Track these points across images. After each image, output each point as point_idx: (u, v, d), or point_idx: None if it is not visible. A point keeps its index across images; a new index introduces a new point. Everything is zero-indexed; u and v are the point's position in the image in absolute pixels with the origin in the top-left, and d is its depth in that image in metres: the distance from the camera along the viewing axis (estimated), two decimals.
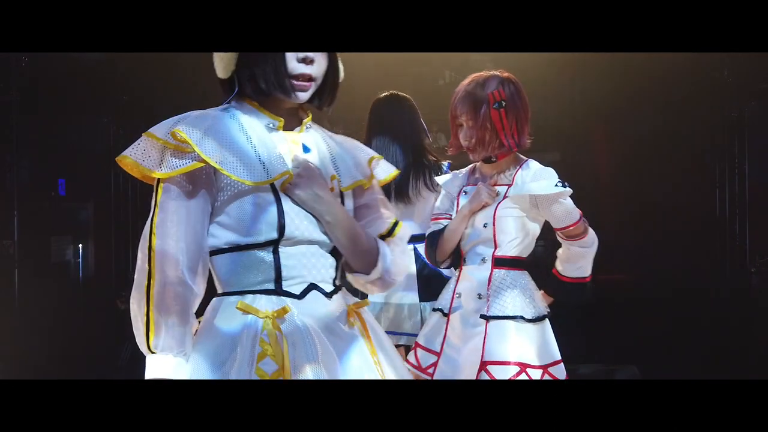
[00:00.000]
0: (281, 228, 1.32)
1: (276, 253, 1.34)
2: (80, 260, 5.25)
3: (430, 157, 2.55)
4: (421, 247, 2.37)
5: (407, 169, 2.48)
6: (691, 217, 4.81)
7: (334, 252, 1.43)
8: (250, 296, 1.35)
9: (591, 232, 2.16)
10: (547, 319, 2.10)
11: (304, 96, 1.38)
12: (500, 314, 2.01)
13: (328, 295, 1.40)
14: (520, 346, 1.98)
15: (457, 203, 2.16)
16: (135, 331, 1.36)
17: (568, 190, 2.02)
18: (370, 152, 1.56)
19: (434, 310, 2.20)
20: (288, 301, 1.34)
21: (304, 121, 1.46)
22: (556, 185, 2.00)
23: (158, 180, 1.31)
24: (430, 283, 2.49)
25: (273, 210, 1.33)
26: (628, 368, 4.54)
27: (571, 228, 2.11)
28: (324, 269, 1.41)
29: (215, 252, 1.37)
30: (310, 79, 1.37)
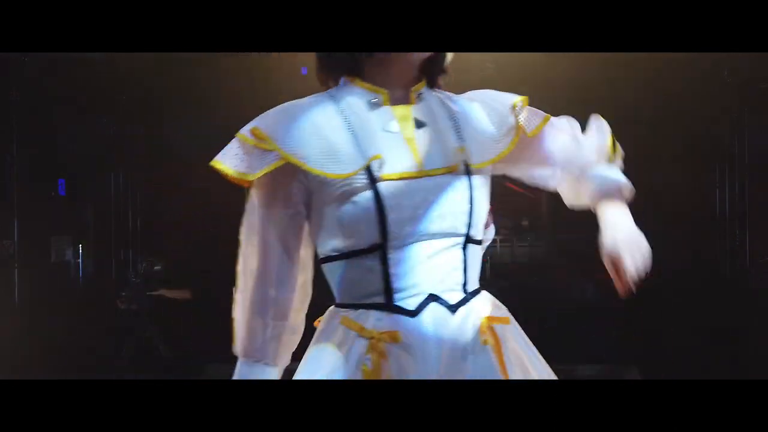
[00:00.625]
0: (383, 228, 1.10)
1: (384, 259, 1.12)
2: (80, 260, 5.25)
3: None
4: None
5: None
6: (691, 217, 4.81)
7: (467, 247, 1.17)
8: (358, 311, 1.15)
9: (491, 229, 2.13)
10: None
11: (418, 57, 1.15)
12: None
13: (453, 308, 1.14)
14: None
15: None
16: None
17: None
18: (508, 100, 1.25)
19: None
20: (400, 320, 1.11)
21: (413, 89, 1.20)
22: None
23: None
24: None
25: (371, 206, 1.10)
26: (628, 368, 4.54)
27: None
28: (447, 274, 1.15)
29: (324, 259, 1.20)
30: None
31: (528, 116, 1.24)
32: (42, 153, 4.80)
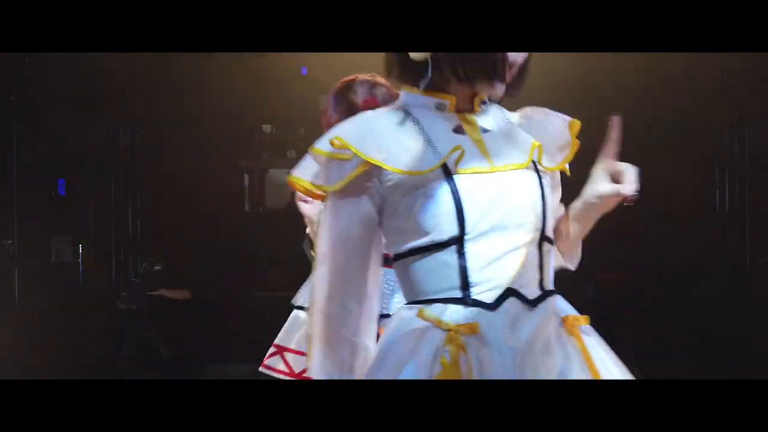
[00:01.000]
0: (461, 221, 1.11)
1: (461, 252, 1.12)
2: (80, 260, 5.25)
3: None
4: None
5: None
6: (691, 217, 4.82)
7: (542, 245, 1.18)
8: (433, 306, 1.14)
9: None
10: None
11: (501, 88, 1.18)
12: (384, 312, 1.98)
13: (532, 303, 1.14)
14: None
15: None
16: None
17: None
18: (564, 118, 1.30)
19: (297, 308, 2.11)
20: (479, 313, 1.11)
21: (476, 99, 1.21)
22: None
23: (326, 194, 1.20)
24: None
25: (448, 200, 1.12)
26: (628, 368, 4.53)
27: None
28: (525, 269, 1.14)
29: (398, 257, 1.19)
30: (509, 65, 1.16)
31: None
32: (42, 153, 4.80)
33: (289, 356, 2.08)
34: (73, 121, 5.04)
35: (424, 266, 1.15)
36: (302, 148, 3.66)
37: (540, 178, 1.19)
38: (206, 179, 5.02)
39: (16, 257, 4.67)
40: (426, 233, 1.13)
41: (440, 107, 1.20)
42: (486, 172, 1.15)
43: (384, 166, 1.13)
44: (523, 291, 1.13)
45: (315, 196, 1.22)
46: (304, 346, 2.02)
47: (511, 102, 1.28)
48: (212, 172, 5.13)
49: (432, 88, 1.20)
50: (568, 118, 1.29)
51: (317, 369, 1.21)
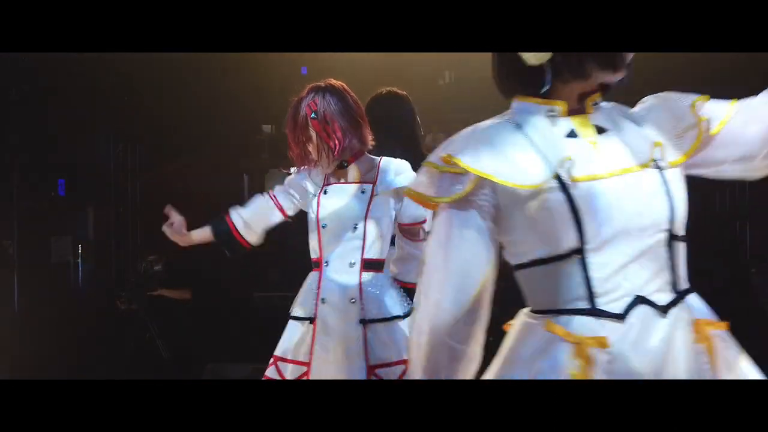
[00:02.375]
0: (580, 231, 1.07)
1: (583, 263, 1.08)
2: (80, 261, 5.25)
3: (426, 153, 2.53)
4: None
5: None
6: (691, 217, 4.81)
7: (672, 244, 1.13)
8: (559, 317, 1.10)
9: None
10: None
11: (620, 75, 1.17)
12: (375, 317, 1.99)
13: (664, 309, 1.09)
14: (400, 344, 1.97)
15: (318, 202, 2.10)
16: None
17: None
18: (688, 99, 1.25)
19: (293, 318, 2.12)
20: (606, 325, 1.07)
21: (589, 99, 1.18)
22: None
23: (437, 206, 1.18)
24: None
25: (564, 211, 1.08)
26: None
27: (416, 226, 2.08)
28: (654, 273, 1.10)
29: (519, 267, 1.17)
30: None
31: (711, 112, 1.23)
32: (42, 153, 4.80)
33: (282, 365, 2.08)
34: (73, 121, 5.04)
35: (547, 277, 1.12)
36: None
37: (663, 174, 1.13)
38: (206, 179, 5.02)
39: (15, 257, 4.67)
40: (545, 245, 1.10)
41: (552, 113, 1.16)
42: (603, 178, 1.10)
43: (496, 181, 1.10)
44: (654, 297, 1.09)
45: (430, 207, 1.21)
46: (301, 356, 2.03)
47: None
48: (212, 172, 5.13)
49: (542, 95, 1.17)
50: (691, 99, 1.23)
51: (419, 374, 1.18)
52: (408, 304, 2.05)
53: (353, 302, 2.01)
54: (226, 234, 2.19)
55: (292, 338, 2.10)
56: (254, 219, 2.20)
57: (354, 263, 2.04)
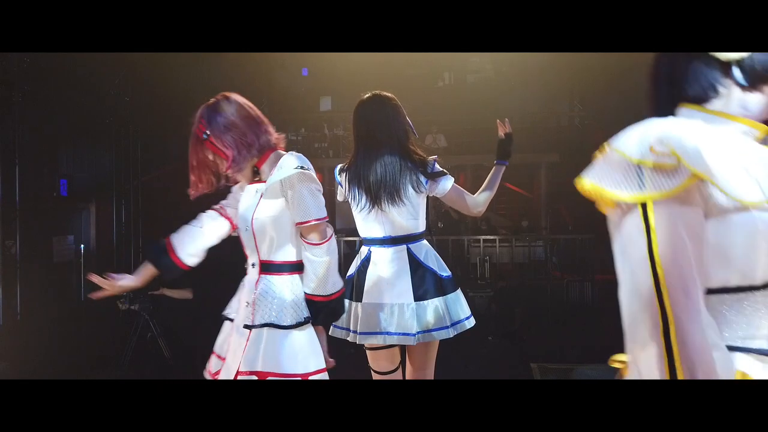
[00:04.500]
0: None
1: None
2: (82, 260, 5.26)
3: (415, 156, 2.51)
4: (413, 247, 2.35)
5: (396, 171, 2.45)
6: None
7: None
8: (743, 356, 1.00)
9: (329, 244, 1.95)
10: (309, 325, 1.91)
11: None
12: (258, 323, 1.94)
13: None
14: (273, 354, 1.89)
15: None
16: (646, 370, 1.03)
17: (309, 174, 1.88)
18: None
19: (226, 318, 2.13)
20: None
21: None
22: (296, 168, 1.88)
23: (637, 202, 1.01)
24: (423, 283, 2.46)
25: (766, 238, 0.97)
26: None
27: (306, 225, 1.90)
28: None
29: (708, 292, 1.04)
30: None
31: None
32: (44, 154, 4.81)
33: (212, 358, 2.09)
34: (75, 122, 5.05)
35: (733, 308, 1.01)
36: (302, 149, 3.66)
37: None
38: None
39: (18, 257, 4.68)
40: (738, 271, 1.00)
41: (747, 135, 1.06)
42: None
43: (717, 186, 0.98)
44: None
45: (612, 205, 1.03)
46: (224, 352, 2.04)
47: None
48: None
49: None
50: None
51: (651, 372, 1.02)
52: (294, 315, 1.92)
53: (247, 305, 1.98)
54: (164, 254, 2.22)
55: (222, 334, 2.12)
56: (197, 237, 2.21)
57: (254, 264, 2.01)
